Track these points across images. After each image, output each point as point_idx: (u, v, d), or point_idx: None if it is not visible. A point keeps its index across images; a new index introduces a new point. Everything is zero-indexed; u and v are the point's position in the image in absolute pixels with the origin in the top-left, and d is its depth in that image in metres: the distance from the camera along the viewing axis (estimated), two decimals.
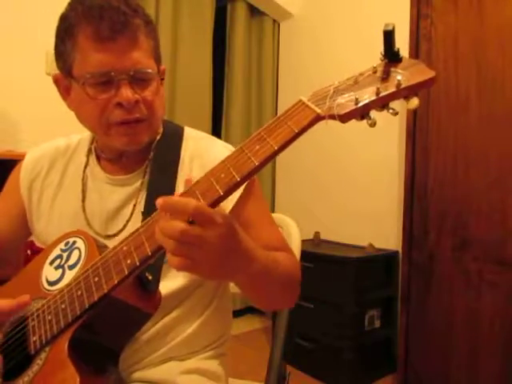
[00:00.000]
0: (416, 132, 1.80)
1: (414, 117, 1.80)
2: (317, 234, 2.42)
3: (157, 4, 2.39)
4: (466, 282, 1.63)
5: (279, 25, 3.00)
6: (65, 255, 0.67)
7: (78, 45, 0.65)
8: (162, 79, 0.74)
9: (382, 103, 0.50)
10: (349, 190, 2.46)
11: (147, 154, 0.76)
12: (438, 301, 1.72)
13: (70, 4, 0.67)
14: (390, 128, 2.23)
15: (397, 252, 2.13)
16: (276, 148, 0.50)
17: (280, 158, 2.96)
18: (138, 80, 0.67)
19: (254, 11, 2.89)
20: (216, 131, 2.76)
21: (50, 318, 0.60)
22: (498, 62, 1.56)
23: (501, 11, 1.56)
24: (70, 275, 0.64)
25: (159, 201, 0.47)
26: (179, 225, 0.46)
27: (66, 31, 0.66)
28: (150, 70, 0.68)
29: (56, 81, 0.72)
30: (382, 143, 2.29)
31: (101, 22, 0.63)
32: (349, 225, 2.44)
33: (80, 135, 0.85)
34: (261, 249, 0.59)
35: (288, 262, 0.68)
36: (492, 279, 1.56)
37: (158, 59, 0.72)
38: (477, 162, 1.61)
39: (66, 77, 0.69)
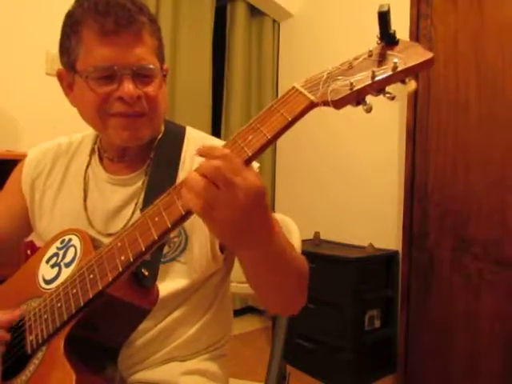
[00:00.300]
0: (416, 132, 1.80)
1: (414, 117, 1.80)
2: (317, 234, 2.42)
3: (157, 3, 2.39)
4: (465, 281, 1.63)
5: (279, 25, 3.00)
6: (61, 253, 0.67)
7: (82, 39, 0.65)
8: (165, 75, 0.74)
9: (378, 87, 0.48)
10: (349, 190, 2.46)
11: (149, 154, 0.76)
12: (438, 301, 1.72)
13: (76, 1, 0.68)
14: (389, 128, 2.23)
15: (397, 252, 2.13)
16: (269, 137, 0.48)
17: (280, 158, 2.96)
18: (141, 76, 0.67)
19: (253, 11, 2.89)
20: (216, 131, 2.76)
21: (46, 316, 0.60)
22: (498, 61, 1.56)
23: (501, 11, 1.56)
24: (65, 273, 0.64)
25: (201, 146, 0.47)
26: (216, 161, 0.45)
27: (71, 27, 0.67)
28: (153, 66, 0.68)
29: (59, 76, 0.72)
30: (382, 143, 2.29)
31: (106, 16, 0.63)
32: (349, 225, 2.44)
33: (82, 134, 0.85)
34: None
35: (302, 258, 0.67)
36: (492, 279, 1.56)
37: (161, 58, 0.72)
38: (477, 162, 1.61)
39: (69, 72, 0.69)
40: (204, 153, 0.47)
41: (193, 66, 2.59)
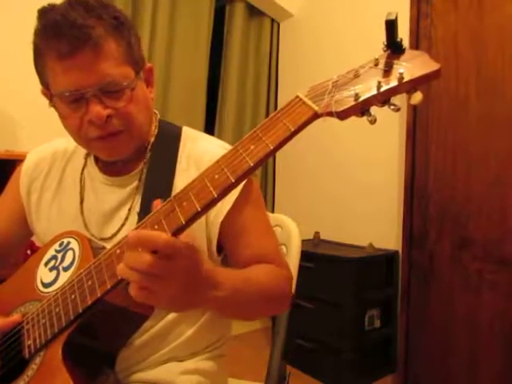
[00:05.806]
0: (416, 132, 1.80)
1: (414, 117, 1.80)
2: (317, 234, 2.42)
3: (154, 3, 2.38)
4: (465, 281, 1.63)
5: (279, 25, 2.99)
6: (59, 256, 0.67)
7: (46, 65, 0.65)
8: (149, 75, 0.73)
9: (383, 98, 0.47)
10: (349, 189, 2.46)
11: (144, 155, 0.75)
12: (438, 301, 1.71)
13: (37, 17, 0.65)
14: (390, 128, 2.23)
15: (397, 252, 2.12)
16: (272, 148, 0.48)
17: (280, 158, 2.95)
18: (108, 92, 0.64)
19: (253, 11, 2.87)
20: (209, 131, 2.75)
21: (44, 321, 0.59)
22: (498, 61, 1.56)
23: (500, 11, 1.56)
24: (64, 277, 0.63)
25: (131, 234, 0.45)
26: (147, 257, 0.45)
27: (36, 51, 0.66)
28: (120, 81, 0.65)
29: (44, 95, 0.72)
30: (382, 143, 2.28)
31: (59, 40, 0.61)
32: (349, 225, 2.44)
33: None
34: (228, 271, 0.59)
35: (266, 277, 0.65)
36: (492, 279, 1.56)
37: (134, 62, 0.68)
38: (477, 161, 1.61)
39: (48, 92, 0.69)
40: (138, 245, 0.46)
41: (188, 66, 2.56)
